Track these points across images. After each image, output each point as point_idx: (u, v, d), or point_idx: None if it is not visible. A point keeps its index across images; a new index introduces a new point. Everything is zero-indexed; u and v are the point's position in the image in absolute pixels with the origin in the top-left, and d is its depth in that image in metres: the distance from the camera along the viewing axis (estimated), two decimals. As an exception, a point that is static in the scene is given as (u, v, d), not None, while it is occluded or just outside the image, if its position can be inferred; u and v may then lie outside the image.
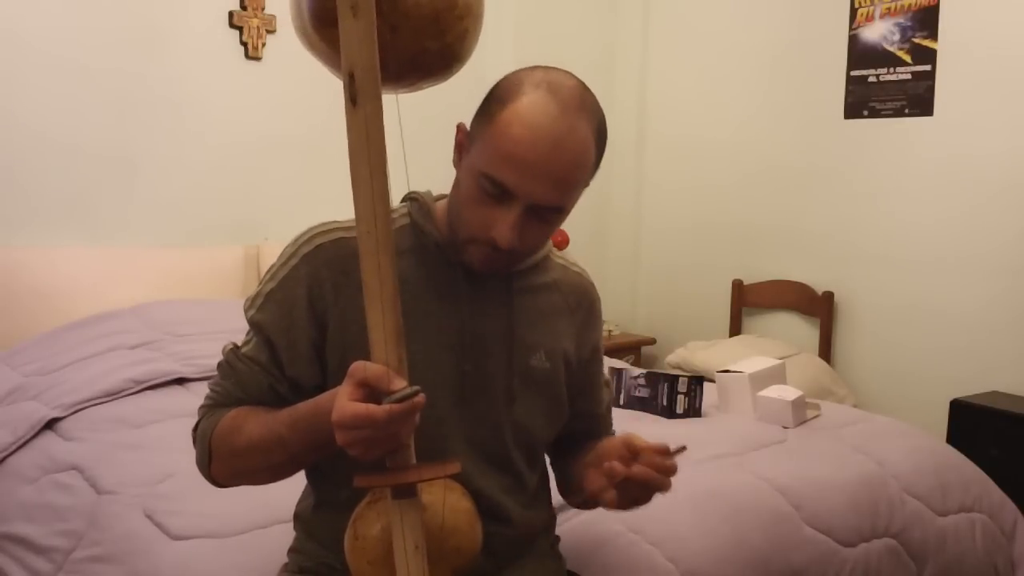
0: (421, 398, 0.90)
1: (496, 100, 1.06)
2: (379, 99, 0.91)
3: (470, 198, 1.07)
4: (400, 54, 1.00)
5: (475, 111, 1.10)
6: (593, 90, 1.12)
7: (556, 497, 1.35)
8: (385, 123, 0.93)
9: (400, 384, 0.90)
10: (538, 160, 1.02)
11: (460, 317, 1.15)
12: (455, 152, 1.12)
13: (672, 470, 1.07)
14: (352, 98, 0.90)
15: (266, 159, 3.30)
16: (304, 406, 1.03)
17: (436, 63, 1.05)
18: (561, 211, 1.08)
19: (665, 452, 1.06)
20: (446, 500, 1.00)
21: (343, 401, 0.89)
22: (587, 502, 1.26)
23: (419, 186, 1.22)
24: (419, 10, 0.98)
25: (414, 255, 1.15)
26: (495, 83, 1.09)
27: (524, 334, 1.18)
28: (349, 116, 0.91)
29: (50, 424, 2.15)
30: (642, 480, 1.05)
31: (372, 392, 0.90)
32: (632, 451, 1.07)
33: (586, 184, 1.10)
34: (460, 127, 1.11)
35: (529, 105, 1.03)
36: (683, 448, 1.09)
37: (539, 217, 1.06)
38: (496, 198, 1.04)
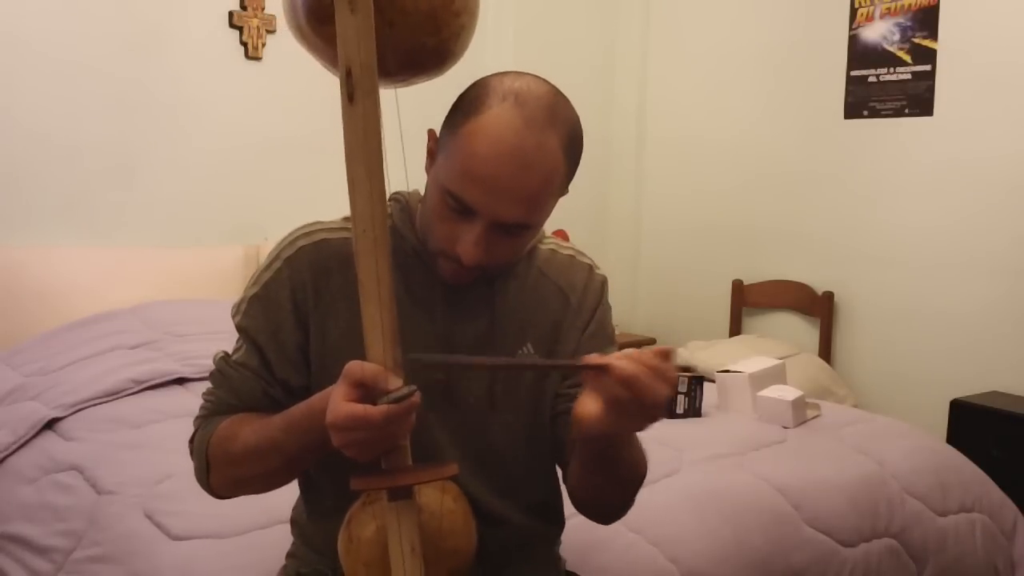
0: (417, 398, 0.89)
1: (461, 111, 1.02)
2: (376, 96, 0.90)
3: (436, 211, 1.04)
4: (396, 50, 0.99)
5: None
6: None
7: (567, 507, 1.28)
8: (383, 120, 0.91)
9: (396, 383, 0.89)
10: (501, 178, 0.98)
11: (438, 323, 1.13)
12: (427, 159, 1.08)
13: (667, 373, 0.87)
14: (349, 95, 0.89)
15: (266, 159, 3.30)
16: (297, 409, 1.02)
17: (431, 59, 1.04)
18: (529, 227, 1.05)
19: (664, 355, 0.88)
20: (443, 502, 0.99)
21: (338, 402, 0.88)
22: (587, 481, 1.11)
23: (419, 184, 1.19)
24: (416, 6, 0.97)
25: (393, 258, 1.12)
26: (464, 89, 1.05)
27: (507, 331, 1.15)
28: (346, 113, 0.90)
29: (50, 424, 2.15)
30: (623, 376, 0.85)
31: (368, 392, 0.88)
32: (624, 353, 0.90)
33: (559, 195, 1.06)
34: (431, 133, 1.08)
35: (493, 119, 0.98)
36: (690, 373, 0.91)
37: (506, 232, 1.03)
38: (460, 213, 1.01)
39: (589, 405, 0.90)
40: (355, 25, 0.88)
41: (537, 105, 1.00)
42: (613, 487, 1.12)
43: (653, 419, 0.91)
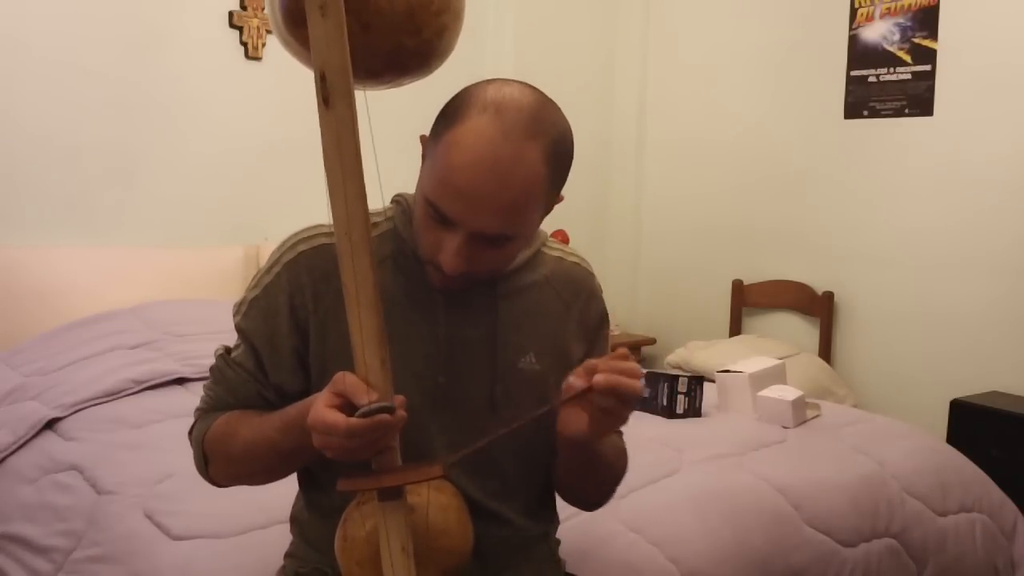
0: (395, 416, 0.90)
1: (443, 120, 1.02)
2: (352, 100, 0.91)
3: (421, 220, 1.05)
4: (375, 52, 0.99)
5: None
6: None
7: (560, 505, 1.31)
8: (360, 124, 0.92)
9: (371, 398, 0.90)
10: (477, 190, 0.97)
11: (438, 326, 1.13)
12: (421, 164, 1.08)
13: (636, 372, 0.97)
14: (324, 99, 0.89)
15: (266, 159, 3.30)
16: (294, 408, 1.04)
17: (414, 60, 1.04)
18: (512, 238, 1.04)
19: (623, 356, 0.98)
20: (433, 501, 0.99)
21: (318, 406, 0.92)
22: (571, 481, 1.21)
23: (393, 189, 1.20)
24: (393, 7, 0.97)
25: (393, 262, 1.13)
26: (452, 97, 1.05)
27: (509, 338, 1.15)
28: (322, 117, 0.90)
29: (50, 424, 2.15)
30: (606, 387, 0.95)
31: (349, 401, 0.91)
32: (590, 369, 0.98)
33: (545, 204, 1.05)
34: (423, 139, 1.08)
35: (470, 130, 0.98)
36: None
37: (488, 243, 1.02)
38: (441, 223, 1.01)
39: (574, 421, 1.01)
40: (326, 29, 0.88)
41: (518, 116, 0.99)
42: (594, 485, 1.23)
43: (631, 411, 1.01)
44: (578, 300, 1.21)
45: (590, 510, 1.29)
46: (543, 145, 1.00)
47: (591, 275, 1.24)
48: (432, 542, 0.98)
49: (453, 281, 1.06)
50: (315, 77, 0.90)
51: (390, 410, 0.90)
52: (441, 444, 1.13)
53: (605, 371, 0.96)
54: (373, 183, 0.98)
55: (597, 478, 1.20)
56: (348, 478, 0.94)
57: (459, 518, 1.01)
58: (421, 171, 1.07)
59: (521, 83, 1.05)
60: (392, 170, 1.28)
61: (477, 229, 1.00)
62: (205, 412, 1.18)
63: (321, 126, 0.91)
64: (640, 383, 0.97)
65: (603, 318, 1.24)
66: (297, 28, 0.98)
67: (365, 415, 0.88)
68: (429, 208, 1.02)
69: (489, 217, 0.99)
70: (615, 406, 0.97)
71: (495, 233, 1.01)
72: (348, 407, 0.90)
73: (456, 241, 1.01)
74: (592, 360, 0.99)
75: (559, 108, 1.06)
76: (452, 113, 1.01)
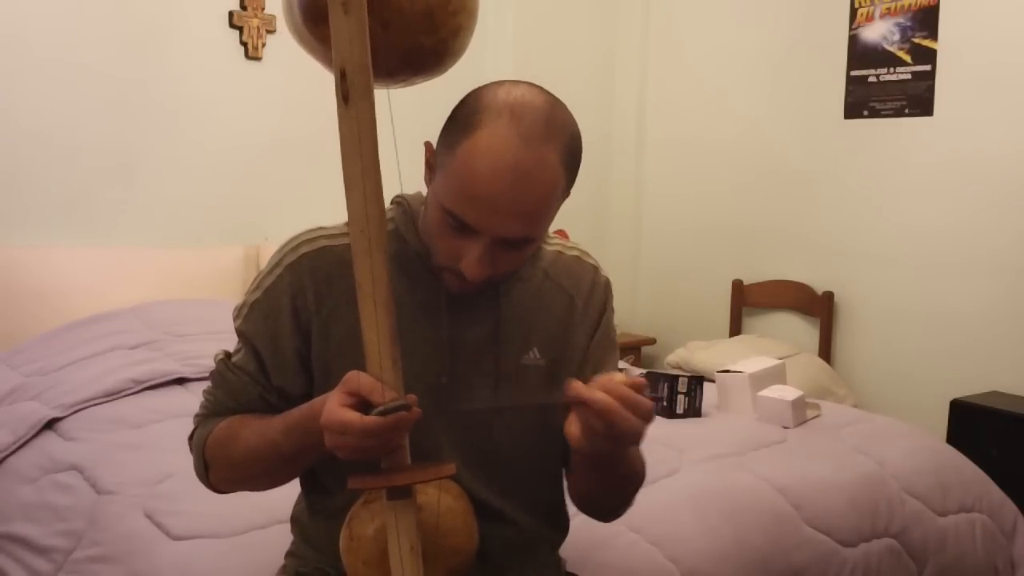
0: (411, 413, 0.90)
1: (456, 127, 1.01)
2: (371, 97, 0.91)
3: (437, 228, 1.04)
4: (393, 50, 0.99)
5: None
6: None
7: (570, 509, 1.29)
8: (378, 122, 0.91)
9: (389, 397, 0.89)
10: (500, 198, 0.97)
11: (440, 326, 1.13)
12: (425, 171, 1.08)
13: (640, 405, 0.92)
14: (344, 96, 0.89)
15: (266, 159, 3.30)
16: (298, 411, 1.03)
17: (429, 59, 1.04)
18: (532, 240, 1.05)
19: (638, 387, 0.92)
20: (441, 500, 0.99)
21: (332, 406, 0.91)
22: (583, 483, 1.17)
23: (413, 187, 1.20)
24: (412, 6, 0.97)
25: (396, 262, 1.13)
26: (458, 103, 1.04)
27: (512, 334, 1.15)
28: (341, 114, 0.90)
29: (50, 424, 2.15)
30: (600, 408, 0.90)
31: (363, 400, 0.90)
32: (599, 383, 0.93)
33: (560, 204, 1.05)
34: (428, 146, 1.07)
35: (489, 137, 0.97)
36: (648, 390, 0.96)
37: (509, 247, 1.02)
38: (460, 231, 1.01)
39: (572, 426, 0.95)
40: (348, 26, 0.89)
41: (534, 119, 0.98)
42: (608, 491, 1.18)
43: (629, 445, 0.95)
44: (580, 292, 1.20)
45: (604, 520, 1.25)
46: (559, 147, 1.00)
47: (595, 268, 1.23)
48: (440, 541, 0.98)
49: (471, 287, 1.06)
50: (335, 75, 0.90)
51: (406, 408, 0.89)
52: (444, 442, 1.13)
53: (608, 391, 0.91)
54: (392, 179, 0.98)
55: (608, 486, 1.16)
56: (357, 476, 0.94)
57: (465, 518, 1.02)
58: (433, 179, 1.05)
59: (528, 84, 1.04)
60: (395, 168, 1.27)
61: (500, 235, 1.00)
62: (205, 418, 1.17)
63: (340, 123, 0.90)
64: (635, 422, 0.91)
65: (607, 309, 1.23)
66: (316, 25, 0.99)
67: (383, 414, 0.88)
68: (448, 217, 1.00)
69: (512, 223, 0.99)
70: (604, 433, 0.91)
71: (518, 237, 1.01)
72: (361, 406, 0.90)
73: (478, 249, 1.00)
74: (613, 377, 0.93)
75: (567, 107, 1.05)
76: (465, 120, 1.00)
